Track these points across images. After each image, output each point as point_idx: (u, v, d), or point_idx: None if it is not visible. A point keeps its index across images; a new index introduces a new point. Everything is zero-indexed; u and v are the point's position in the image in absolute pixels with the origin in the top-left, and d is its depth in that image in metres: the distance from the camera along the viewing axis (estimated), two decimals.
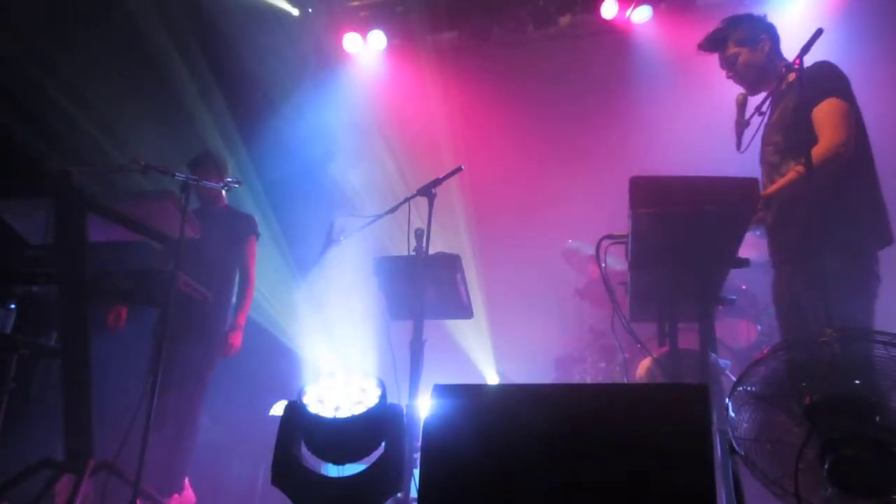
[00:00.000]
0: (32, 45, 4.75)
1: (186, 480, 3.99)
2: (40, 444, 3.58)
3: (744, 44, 3.17)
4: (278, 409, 4.80)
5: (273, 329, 5.51)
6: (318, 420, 2.15)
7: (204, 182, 3.50)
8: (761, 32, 3.16)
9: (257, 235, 4.50)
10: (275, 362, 5.32)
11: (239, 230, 4.42)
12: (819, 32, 2.56)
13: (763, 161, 3.14)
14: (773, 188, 2.91)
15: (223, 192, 4.33)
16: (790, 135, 2.97)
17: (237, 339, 4.24)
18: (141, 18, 5.34)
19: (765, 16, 3.25)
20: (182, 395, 4.02)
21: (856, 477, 1.76)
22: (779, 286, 3.06)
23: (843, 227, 2.76)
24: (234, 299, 4.35)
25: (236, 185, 3.60)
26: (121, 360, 4.29)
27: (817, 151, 2.74)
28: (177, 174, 3.26)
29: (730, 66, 3.22)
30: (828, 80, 2.90)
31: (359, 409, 2.18)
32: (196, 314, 3.91)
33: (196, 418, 4.10)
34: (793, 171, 2.87)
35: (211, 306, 3.94)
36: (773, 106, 3.08)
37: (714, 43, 3.25)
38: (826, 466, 1.79)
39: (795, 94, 2.82)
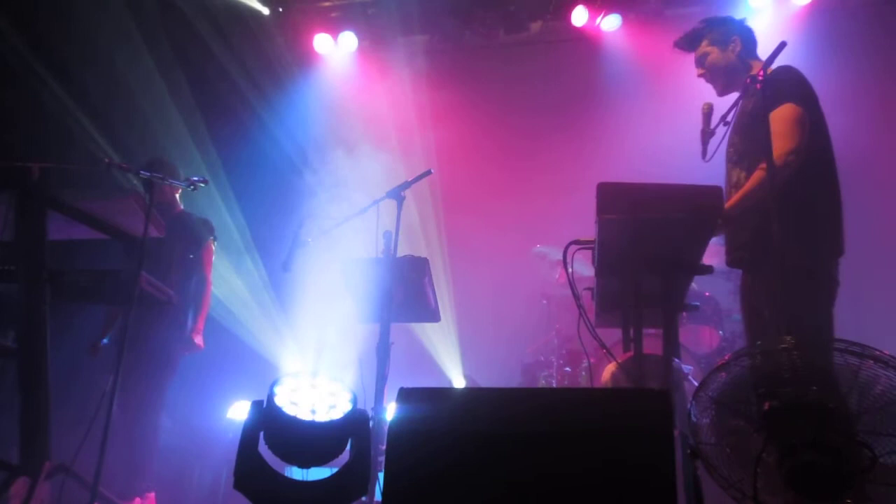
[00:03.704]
0: None
1: (153, 495, 3.94)
2: None
3: (715, 43, 3.25)
4: (236, 411, 4.73)
5: (237, 330, 5.45)
6: (294, 422, 2.12)
7: (170, 181, 3.44)
8: (733, 34, 3.24)
9: (214, 239, 4.48)
10: (237, 364, 5.26)
11: (196, 234, 4.38)
12: (782, 45, 2.62)
13: (726, 160, 3.20)
14: (731, 202, 2.94)
15: (178, 196, 4.38)
16: (746, 136, 3.04)
17: (199, 340, 4.23)
18: (109, 15, 5.26)
19: (743, 20, 3.32)
20: (140, 398, 3.95)
21: (812, 481, 1.80)
22: (742, 291, 3.11)
23: (803, 233, 2.81)
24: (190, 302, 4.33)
25: (203, 185, 3.53)
26: (79, 360, 4.20)
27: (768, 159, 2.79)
28: (141, 172, 3.20)
29: (701, 63, 3.30)
30: (786, 84, 2.95)
31: (336, 414, 2.16)
32: (154, 318, 3.89)
33: (156, 422, 4.03)
34: (748, 183, 2.93)
35: (169, 311, 3.90)
36: (738, 109, 3.15)
37: (689, 41, 3.33)
38: (784, 471, 1.83)
39: (756, 98, 2.88)
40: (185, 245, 4.28)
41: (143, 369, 3.93)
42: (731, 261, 3.15)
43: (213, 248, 4.47)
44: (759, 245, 2.87)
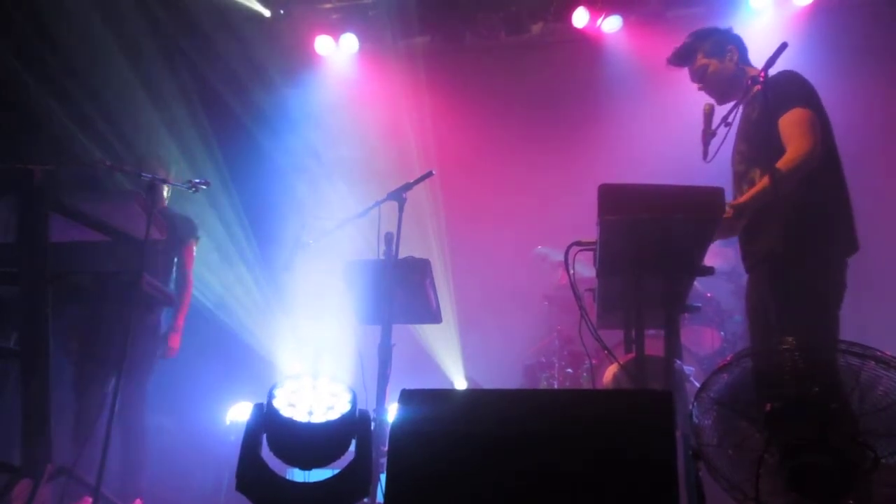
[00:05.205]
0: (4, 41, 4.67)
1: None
2: None
3: (712, 55, 3.21)
4: (236, 413, 4.72)
5: (239, 332, 5.46)
6: (291, 424, 2.12)
7: (171, 183, 3.44)
8: (728, 43, 3.22)
9: (197, 239, 4.42)
10: (238, 365, 5.26)
11: (179, 233, 4.30)
12: (783, 47, 2.61)
13: (732, 169, 3.19)
14: (744, 198, 2.91)
15: (165, 193, 4.27)
16: (754, 143, 3.02)
17: (176, 342, 4.16)
18: (113, 17, 5.28)
19: (730, 28, 3.31)
20: (126, 399, 3.90)
21: (814, 482, 1.79)
22: (748, 293, 3.10)
23: (811, 236, 2.79)
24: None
25: (204, 186, 3.53)
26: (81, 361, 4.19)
27: (784, 161, 2.76)
28: (143, 174, 3.21)
29: (699, 77, 3.26)
30: (793, 88, 2.93)
31: (333, 415, 2.16)
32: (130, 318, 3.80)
33: (144, 421, 3.98)
34: (762, 181, 2.90)
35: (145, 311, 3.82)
36: (741, 116, 3.14)
37: (683, 56, 3.29)
38: (785, 472, 1.82)
39: (759, 104, 2.87)
40: (167, 243, 4.12)
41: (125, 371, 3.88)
42: (750, 267, 3.13)
43: (195, 248, 4.40)
44: (770, 247, 2.84)
